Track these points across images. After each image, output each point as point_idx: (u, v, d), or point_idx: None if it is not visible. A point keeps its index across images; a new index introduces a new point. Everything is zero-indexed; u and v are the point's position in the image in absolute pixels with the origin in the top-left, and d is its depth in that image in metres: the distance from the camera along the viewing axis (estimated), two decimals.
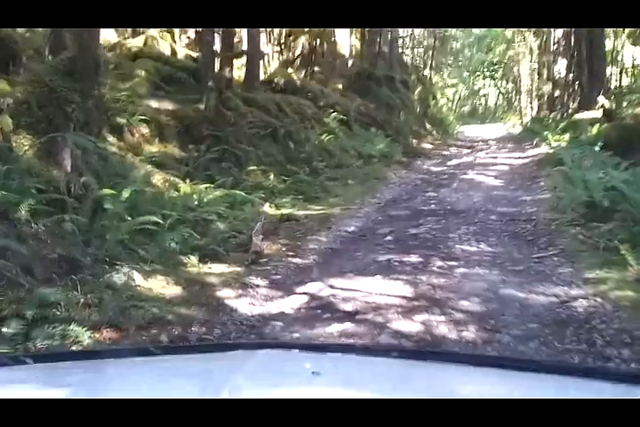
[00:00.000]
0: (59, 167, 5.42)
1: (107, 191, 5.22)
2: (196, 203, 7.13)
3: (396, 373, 1.34)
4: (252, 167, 9.11)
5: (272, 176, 9.27)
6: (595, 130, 11.86)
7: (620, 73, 20.77)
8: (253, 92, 11.13)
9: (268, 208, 8.07)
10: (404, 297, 4.09)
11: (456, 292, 4.17)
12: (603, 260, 4.73)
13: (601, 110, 14.41)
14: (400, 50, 25.77)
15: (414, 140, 17.86)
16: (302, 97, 12.80)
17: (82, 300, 3.63)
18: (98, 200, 5.20)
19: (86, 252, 4.42)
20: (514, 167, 11.99)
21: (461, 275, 4.60)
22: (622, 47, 20.79)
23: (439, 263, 4.95)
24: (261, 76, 13.31)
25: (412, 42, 29.47)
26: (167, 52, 11.91)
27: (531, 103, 34.78)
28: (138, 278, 4.27)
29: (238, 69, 12.57)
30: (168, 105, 9.20)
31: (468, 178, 10.94)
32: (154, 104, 9.06)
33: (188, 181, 7.72)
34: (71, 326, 3.29)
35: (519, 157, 13.46)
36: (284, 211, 8.06)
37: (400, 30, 24.50)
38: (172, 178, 7.79)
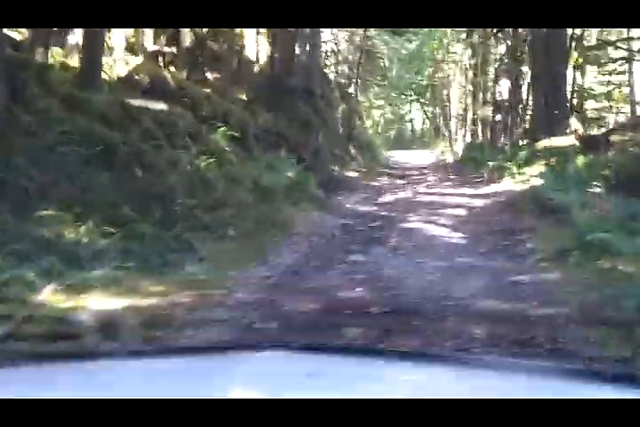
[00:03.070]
0: None
1: None
2: None
3: (391, 374, 1.27)
4: (46, 211, 5.19)
5: (88, 226, 5.37)
6: (580, 161, 8.56)
7: (572, 94, 18.08)
8: (90, 90, 7.25)
9: (51, 294, 4.25)
10: None
11: None
12: None
13: (572, 136, 11.34)
14: (322, 63, 22.39)
15: (335, 168, 14.31)
16: (177, 104, 8.98)
17: None
18: None
19: None
20: (474, 212, 8.39)
21: None
22: (576, 68, 18.13)
23: None
24: (123, 73, 9.46)
25: (335, 56, 26.18)
26: None
27: (462, 128, 32.17)
28: None
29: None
30: None
31: (411, 227, 7.36)
32: None
33: None
34: None
35: (474, 195, 9.93)
36: (81, 301, 4.24)
37: (323, 38, 21.09)
38: None
